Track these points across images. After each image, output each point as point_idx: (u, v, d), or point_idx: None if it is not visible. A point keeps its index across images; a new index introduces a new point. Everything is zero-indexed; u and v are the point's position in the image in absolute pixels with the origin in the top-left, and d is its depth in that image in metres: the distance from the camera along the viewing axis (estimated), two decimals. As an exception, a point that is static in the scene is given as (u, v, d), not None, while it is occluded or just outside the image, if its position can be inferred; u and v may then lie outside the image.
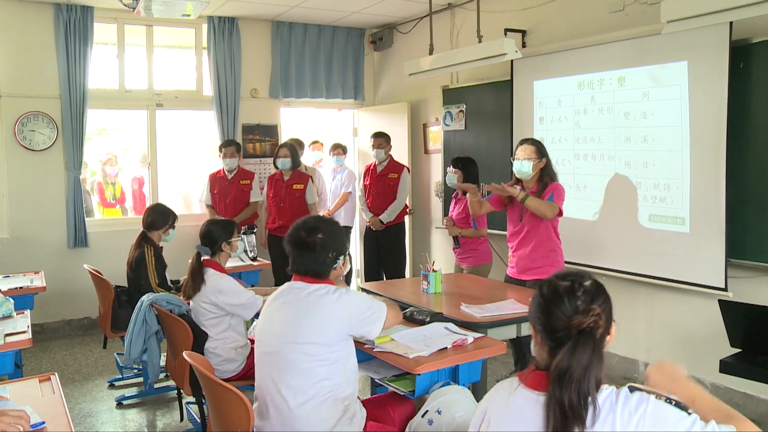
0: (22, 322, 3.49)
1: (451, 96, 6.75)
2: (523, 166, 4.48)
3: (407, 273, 7.41)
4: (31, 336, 3.30)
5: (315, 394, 2.53)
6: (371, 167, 6.91)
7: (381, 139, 6.75)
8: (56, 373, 2.70)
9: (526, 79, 5.79)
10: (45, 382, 2.61)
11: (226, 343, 3.77)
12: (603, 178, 5.12)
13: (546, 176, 4.52)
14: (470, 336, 3.02)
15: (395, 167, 6.81)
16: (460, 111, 6.59)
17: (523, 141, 4.60)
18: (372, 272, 7.00)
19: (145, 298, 3.96)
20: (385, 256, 6.95)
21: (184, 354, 2.58)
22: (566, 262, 5.38)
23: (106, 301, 4.68)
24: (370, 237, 6.95)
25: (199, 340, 3.71)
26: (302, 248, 2.67)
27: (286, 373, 2.55)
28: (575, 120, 5.34)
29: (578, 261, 5.32)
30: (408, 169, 6.94)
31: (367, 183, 6.88)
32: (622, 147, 4.97)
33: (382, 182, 6.77)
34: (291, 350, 2.55)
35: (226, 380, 3.73)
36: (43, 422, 2.11)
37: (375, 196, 6.80)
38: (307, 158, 7.54)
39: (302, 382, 2.53)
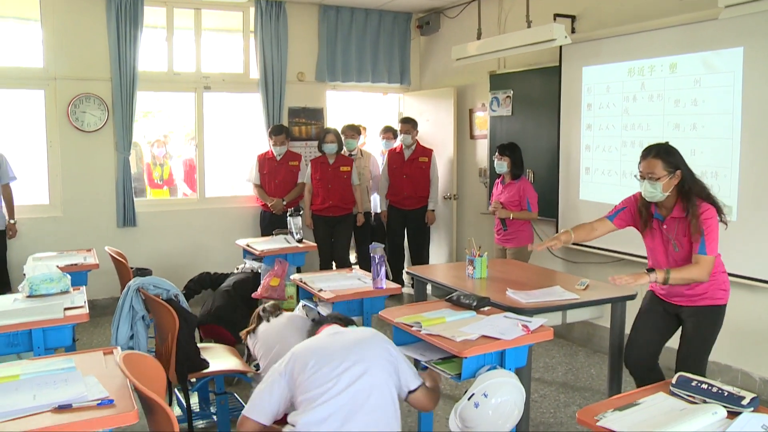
0: (79, 298, 3.60)
1: (498, 81, 6.70)
2: (653, 188, 3.35)
3: (450, 257, 7.46)
4: (87, 311, 3.40)
5: None
6: (397, 151, 7.14)
7: (409, 125, 7.04)
8: (118, 347, 2.78)
9: (574, 65, 5.72)
10: (108, 355, 2.69)
11: None
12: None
13: (690, 195, 3.33)
14: (533, 322, 3.03)
15: (424, 151, 7.14)
16: (507, 96, 6.55)
17: (646, 152, 3.44)
18: (399, 254, 7.25)
19: (132, 283, 3.92)
20: (415, 238, 7.25)
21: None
22: (610, 251, 5.37)
23: (124, 284, 4.72)
24: (396, 219, 7.20)
25: (188, 323, 3.68)
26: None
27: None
28: (624, 107, 5.27)
29: (622, 249, 5.27)
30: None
31: (395, 167, 7.08)
32: (671, 134, 4.88)
33: (413, 166, 7.04)
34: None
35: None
36: (112, 400, 2.18)
37: (408, 180, 7.02)
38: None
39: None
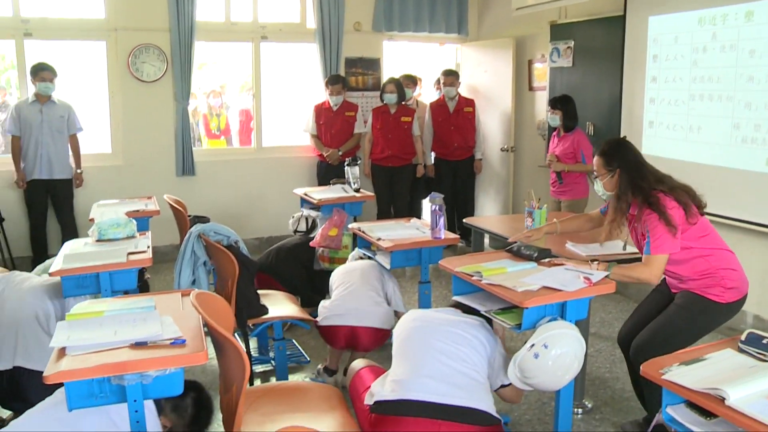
0: (143, 243, 3.69)
1: (558, 32, 6.52)
2: (596, 186, 3.40)
3: (506, 209, 7.42)
4: (151, 255, 3.48)
5: None
6: (440, 104, 7.16)
7: (453, 77, 7.09)
8: (195, 290, 2.83)
9: (640, 15, 5.52)
10: (186, 296, 2.75)
11: None
12: (719, 119, 4.88)
13: (637, 193, 3.18)
14: (595, 275, 2.98)
15: (467, 102, 7.23)
16: (568, 47, 6.38)
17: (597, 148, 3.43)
18: (452, 206, 7.25)
19: (193, 230, 3.99)
20: (464, 189, 7.33)
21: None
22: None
23: (183, 232, 4.81)
24: (445, 171, 7.22)
25: (249, 269, 3.77)
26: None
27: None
28: (693, 58, 5.08)
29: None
30: None
31: (441, 120, 7.10)
32: (744, 87, 4.70)
33: (460, 117, 7.11)
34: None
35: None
36: (184, 339, 2.24)
37: (456, 131, 7.08)
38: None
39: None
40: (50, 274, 3.23)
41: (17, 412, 3.17)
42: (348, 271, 4.20)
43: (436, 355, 2.73)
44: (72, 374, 2.05)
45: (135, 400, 2.17)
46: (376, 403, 2.72)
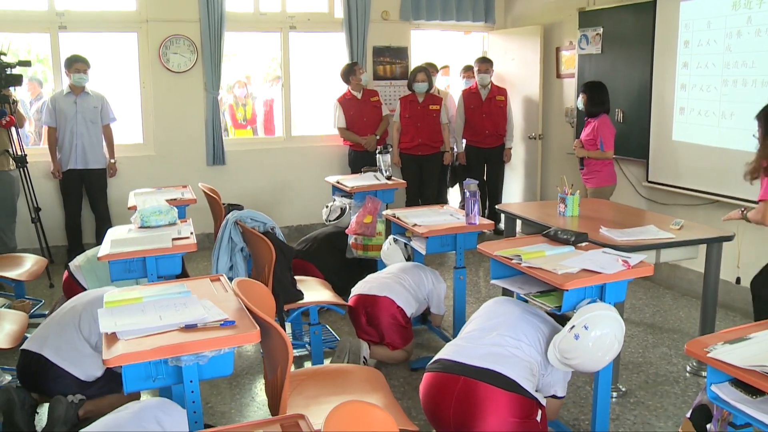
0: (186, 229, 3.78)
1: (587, 18, 6.50)
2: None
3: (534, 196, 7.45)
4: (195, 241, 3.56)
5: None
6: (473, 91, 7.22)
7: (488, 64, 7.15)
8: (223, 274, 2.90)
9: (671, 0, 5.49)
10: (215, 281, 2.82)
11: None
12: (754, 105, 4.84)
13: None
14: (633, 258, 3.01)
15: (499, 90, 7.27)
16: (597, 34, 6.36)
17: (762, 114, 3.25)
18: (482, 192, 7.25)
19: (230, 216, 4.06)
20: (493, 176, 7.39)
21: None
22: (700, 191, 5.24)
23: (218, 220, 4.88)
24: (476, 158, 7.30)
25: (285, 255, 3.82)
26: None
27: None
28: (726, 44, 5.04)
29: (722, 192, 5.12)
30: None
31: (473, 107, 7.15)
32: (779, 72, 4.67)
33: (492, 105, 7.17)
34: None
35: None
36: (233, 321, 2.30)
37: (488, 118, 7.14)
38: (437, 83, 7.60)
39: None
40: (98, 259, 3.31)
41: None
42: (391, 266, 4.42)
43: (501, 330, 2.91)
44: (132, 357, 2.12)
45: (191, 381, 2.23)
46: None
